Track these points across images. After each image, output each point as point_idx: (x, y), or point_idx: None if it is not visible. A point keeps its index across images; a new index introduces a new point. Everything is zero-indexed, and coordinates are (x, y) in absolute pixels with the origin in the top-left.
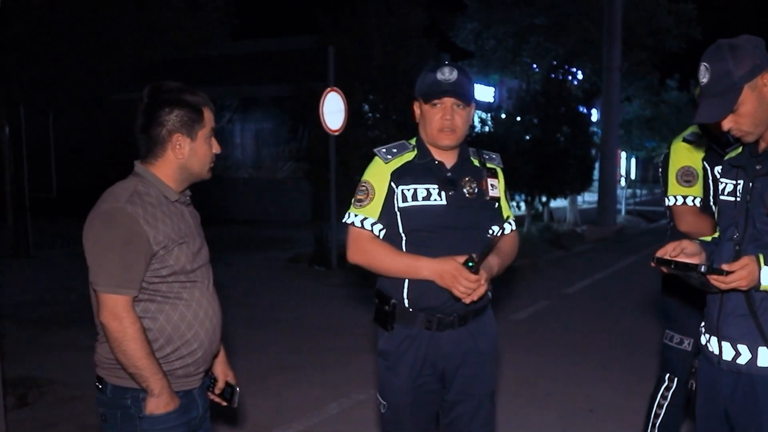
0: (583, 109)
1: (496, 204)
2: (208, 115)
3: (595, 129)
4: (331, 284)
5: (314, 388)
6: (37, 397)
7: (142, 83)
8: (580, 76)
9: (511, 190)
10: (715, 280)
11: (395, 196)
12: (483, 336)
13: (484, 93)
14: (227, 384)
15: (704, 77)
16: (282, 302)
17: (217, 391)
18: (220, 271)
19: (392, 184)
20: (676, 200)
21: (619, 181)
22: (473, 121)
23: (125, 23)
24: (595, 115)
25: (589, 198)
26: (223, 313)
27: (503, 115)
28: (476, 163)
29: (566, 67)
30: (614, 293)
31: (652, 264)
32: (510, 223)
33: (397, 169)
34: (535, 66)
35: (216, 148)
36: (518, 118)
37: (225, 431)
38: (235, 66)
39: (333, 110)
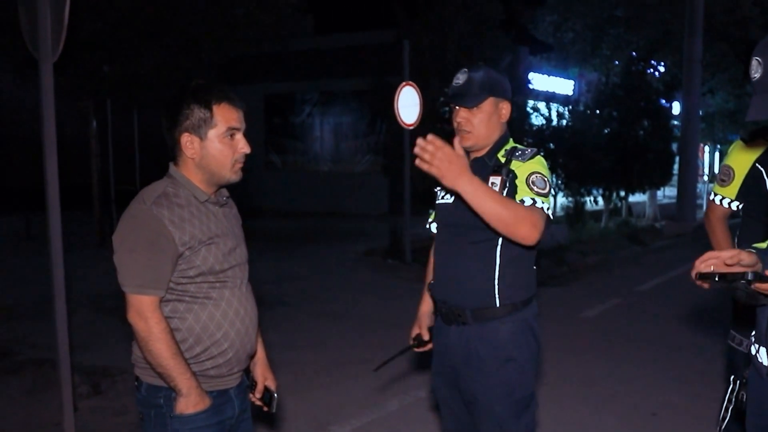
0: (663, 102)
1: None
2: (222, 114)
3: (676, 122)
4: (404, 278)
5: (376, 384)
6: (109, 386)
7: (223, 79)
8: (661, 68)
9: (588, 184)
10: (761, 288)
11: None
12: (483, 342)
13: (562, 86)
14: (266, 389)
15: (756, 72)
16: (354, 296)
17: (257, 395)
18: (296, 264)
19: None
20: (712, 197)
21: (701, 175)
22: (549, 115)
23: (201, 20)
24: (676, 108)
25: (669, 192)
26: (294, 307)
27: (581, 108)
28: (503, 160)
29: (647, 60)
30: (688, 292)
31: (696, 281)
32: (521, 201)
33: None
34: (616, 62)
35: (244, 148)
36: (597, 112)
37: (283, 427)
38: (315, 60)
39: (408, 104)
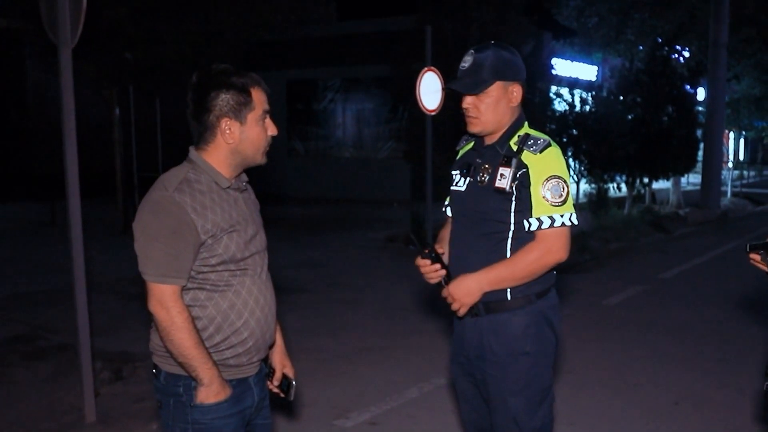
0: (688, 88)
1: (511, 195)
2: (258, 97)
3: (701, 108)
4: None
5: (396, 371)
6: (130, 372)
7: (246, 65)
8: (686, 54)
9: (611, 170)
10: None
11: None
12: (496, 336)
13: (586, 71)
14: (284, 376)
15: None
16: (375, 282)
17: (275, 382)
18: (317, 250)
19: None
20: None
21: (726, 162)
22: (572, 101)
23: (224, 6)
24: (701, 94)
25: (694, 179)
26: (315, 293)
27: (605, 94)
28: (515, 148)
29: (672, 45)
30: (711, 279)
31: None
32: (538, 220)
33: (461, 155)
34: (640, 47)
35: (272, 130)
36: (621, 98)
37: (303, 414)
38: (337, 47)
39: (430, 90)
